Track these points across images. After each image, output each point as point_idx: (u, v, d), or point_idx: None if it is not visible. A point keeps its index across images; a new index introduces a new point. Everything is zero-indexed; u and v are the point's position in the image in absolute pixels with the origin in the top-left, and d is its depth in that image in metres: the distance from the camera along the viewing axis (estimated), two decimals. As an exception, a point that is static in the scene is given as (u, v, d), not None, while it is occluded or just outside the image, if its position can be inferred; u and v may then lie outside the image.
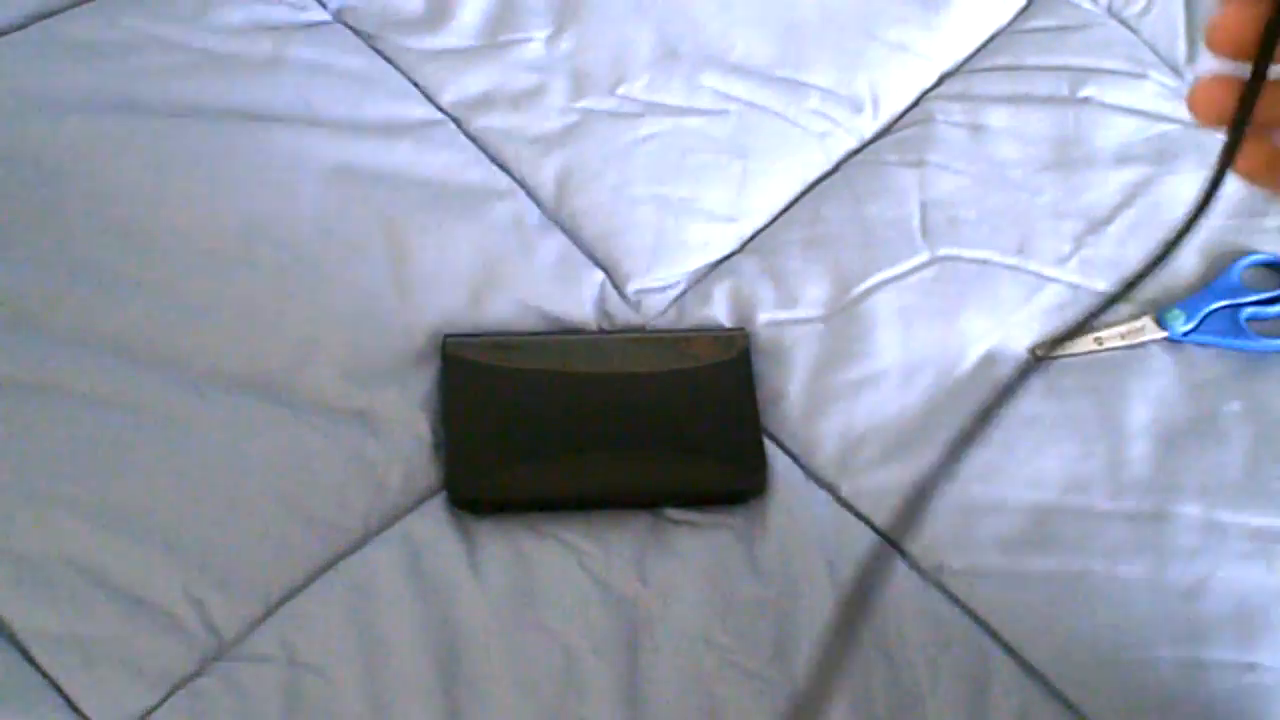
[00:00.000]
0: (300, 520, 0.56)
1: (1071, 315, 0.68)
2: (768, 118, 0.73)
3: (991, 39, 0.81)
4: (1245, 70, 0.30)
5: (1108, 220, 0.71)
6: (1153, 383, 0.65)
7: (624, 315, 0.66)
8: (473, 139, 0.70)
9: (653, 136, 0.71)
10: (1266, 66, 0.30)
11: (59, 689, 0.50)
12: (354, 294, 0.63)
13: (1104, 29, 0.81)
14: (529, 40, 0.74)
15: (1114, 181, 0.72)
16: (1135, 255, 0.70)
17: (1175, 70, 0.80)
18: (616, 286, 0.66)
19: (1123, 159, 0.73)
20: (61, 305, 0.59)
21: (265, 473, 0.56)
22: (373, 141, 0.68)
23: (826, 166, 0.73)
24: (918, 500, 0.31)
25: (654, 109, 0.72)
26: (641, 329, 0.65)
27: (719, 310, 0.66)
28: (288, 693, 0.51)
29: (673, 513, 0.58)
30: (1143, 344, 0.67)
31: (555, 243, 0.67)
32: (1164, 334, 0.67)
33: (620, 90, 0.73)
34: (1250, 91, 0.30)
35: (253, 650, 0.52)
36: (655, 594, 0.56)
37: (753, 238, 0.70)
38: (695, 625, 0.55)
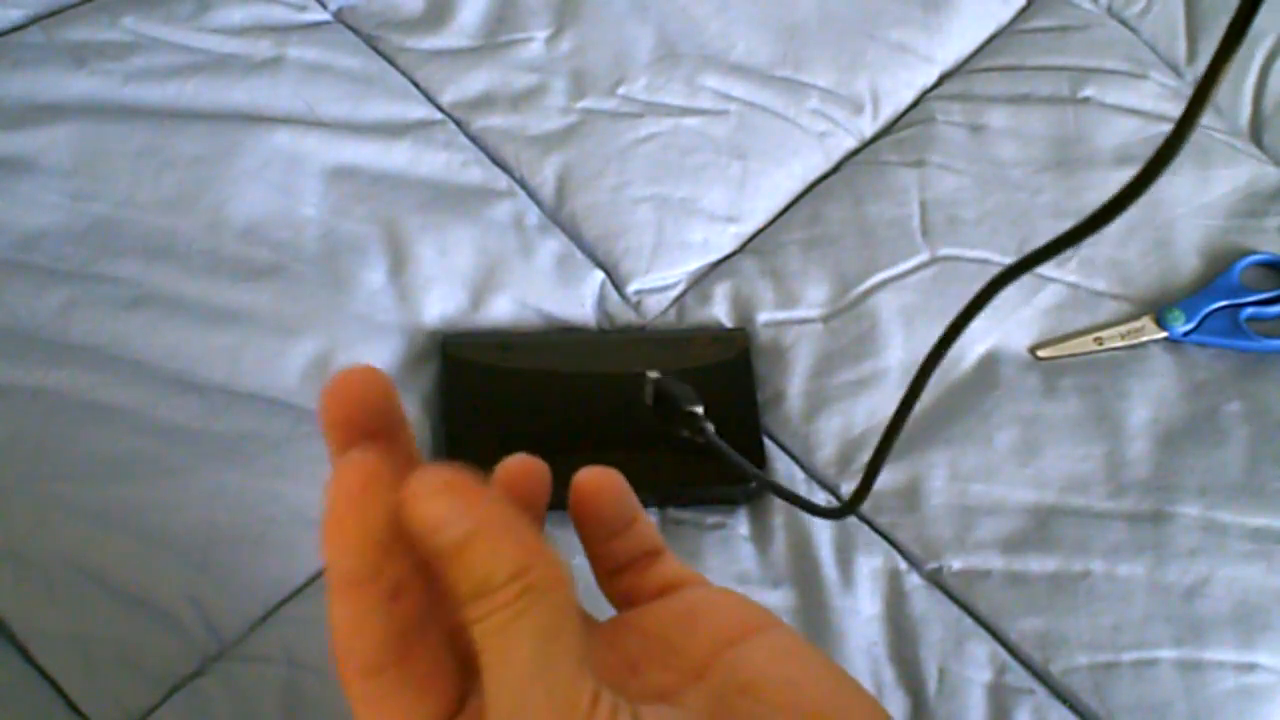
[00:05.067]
0: (300, 520, 0.56)
1: (1071, 315, 0.68)
2: (768, 118, 0.73)
3: (991, 39, 0.81)
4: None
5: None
6: (1153, 383, 0.65)
7: (624, 315, 0.66)
8: (473, 139, 0.70)
9: (653, 136, 0.71)
10: None
11: (59, 689, 0.50)
12: (353, 294, 0.63)
13: (1104, 29, 0.81)
14: (529, 40, 0.74)
15: (1114, 181, 0.72)
16: (1135, 255, 0.70)
17: (1175, 70, 0.80)
18: (616, 286, 0.66)
19: (1123, 159, 0.74)
20: (61, 308, 0.59)
21: (264, 473, 0.56)
22: (373, 141, 0.68)
23: (826, 166, 0.73)
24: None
25: (654, 109, 0.72)
26: (641, 329, 0.65)
27: (719, 310, 0.66)
28: (288, 693, 0.51)
29: (674, 513, 0.59)
30: (1143, 344, 0.67)
31: (555, 243, 0.67)
32: (1164, 334, 0.67)
33: (620, 90, 0.73)
34: None
35: (253, 650, 0.52)
36: (655, 594, 0.56)
37: (753, 238, 0.70)
38: (695, 625, 0.55)
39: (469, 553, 0.25)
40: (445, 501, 0.25)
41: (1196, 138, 0.75)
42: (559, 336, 0.64)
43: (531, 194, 0.69)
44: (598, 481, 0.33)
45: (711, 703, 0.27)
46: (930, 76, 0.78)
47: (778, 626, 0.31)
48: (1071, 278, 0.69)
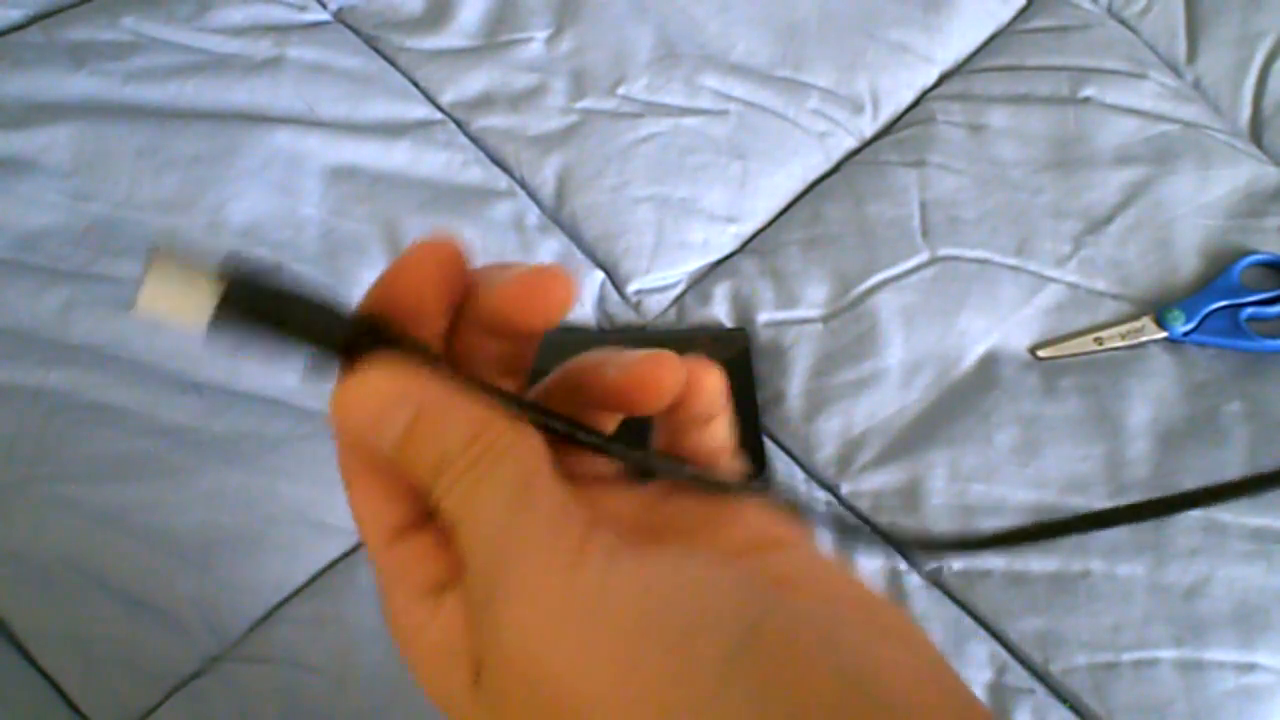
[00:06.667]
0: (301, 520, 0.56)
1: (1071, 315, 0.68)
2: (768, 118, 0.73)
3: (991, 39, 0.81)
4: None
5: (1108, 220, 0.71)
6: (1153, 383, 0.65)
7: (624, 315, 0.66)
8: (473, 139, 0.70)
9: (653, 136, 0.71)
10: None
11: (59, 689, 0.50)
12: (353, 294, 0.62)
13: (1104, 29, 0.81)
14: (529, 40, 0.74)
15: (1114, 181, 0.72)
16: (1135, 255, 0.70)
17: (1175, 70, 0.80)
18: (616, 286, 0.66)
19: (1123, 159, 0.74)
20: (61, 308, 0.59)
21: (264, 473, 0.56)
22: (373, 141, 0.68)
23: (826, 166, 0.73)
24: None
25: (654, 109, 0.72)
26: (641, 329, 0.65)
27: (719, 310, 0.66)
28: (287, 693, 0.51)
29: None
30: (1143, 344, 0.67)
31: (555, 243, 0.67)
32: (1164, 334, 0.67)
33: (620, 90, 0.73)
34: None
35: (253, 650, 0.52)
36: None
37: (753, 238, 0.70)
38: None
39: (417, 437, 0.24)
40: (374, 402, 0.25)
41: (1197, 137, 0.75)
42: (559, 336, 0.63)
43: (531, 194, 0.69)
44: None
45: (741, 585, 0.24)
46: (930, 76, 0.78)
47: (813, 545, 0.28)
48: (1071, 278, 0.69)
